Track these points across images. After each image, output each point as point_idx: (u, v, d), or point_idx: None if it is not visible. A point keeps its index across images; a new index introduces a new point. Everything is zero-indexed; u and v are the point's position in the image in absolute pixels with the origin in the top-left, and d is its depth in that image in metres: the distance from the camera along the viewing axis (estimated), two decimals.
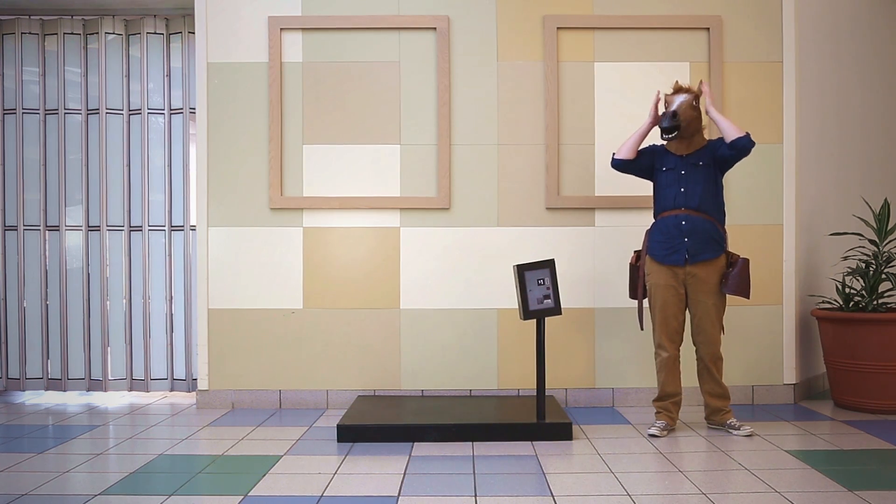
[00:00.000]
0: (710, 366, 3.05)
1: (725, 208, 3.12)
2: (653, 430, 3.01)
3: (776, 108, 3.61)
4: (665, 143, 3.11)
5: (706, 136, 3.18)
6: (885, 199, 3.64)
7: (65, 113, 3.88)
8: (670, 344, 3.07)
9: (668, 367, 3.08)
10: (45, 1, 3.80)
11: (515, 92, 3.61)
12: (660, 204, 3.12)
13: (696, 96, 3.03)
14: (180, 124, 3.86)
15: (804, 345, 3.71)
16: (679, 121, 2.96)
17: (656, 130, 3.15)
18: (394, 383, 3.61)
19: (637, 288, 3.16)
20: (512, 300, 3.57)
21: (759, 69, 3.61)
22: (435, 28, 3.59)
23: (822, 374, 3.89)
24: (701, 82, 3.11)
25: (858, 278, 3.56)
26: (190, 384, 3.85)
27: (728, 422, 3.05)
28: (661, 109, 3.22)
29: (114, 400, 3.84)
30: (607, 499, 2.25)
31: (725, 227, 3.08)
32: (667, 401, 3.10)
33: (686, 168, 3.04)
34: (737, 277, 2.99)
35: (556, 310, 3.03)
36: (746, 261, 3.01)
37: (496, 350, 3.59)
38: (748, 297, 3.04)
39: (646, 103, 3.59)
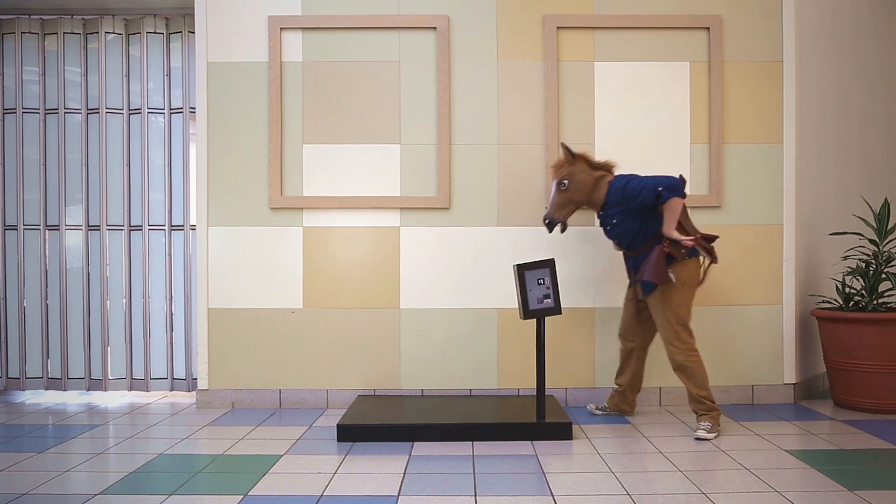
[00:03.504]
0: (677, 374, 3.03)
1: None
2: (589, 406, 3.44)
3: (776, 108, 3.61)
4: None
5: (612, 171, 3.09)
6: (886, 199, 3.64)
7: (65, 112, 3.88)
8: (620, 337, 3.31)
9: (621, 358, 3.32)
10: (45, 1, 3.80)
11: (515, 92, 3.61)
12: None
13: (560, 168, 3.06)
14: (180, 124, 3.86)
15: (804, 345, 3.71)
16: (555, 223, 3.08)
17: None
18: (394, 383, 3.61)
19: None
20: (512, 300, 3.57)
21: (759, 69, 3.61)
22: (435, 28, 3.59)
23: (822, 373, 3.89)
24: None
25: (858, 278, 3.56)
26: (190, 384, 3.85)
27: (700, 421, 3.00)
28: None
29: (114, 399, 3.84)
30: (607, 499, 2.25)
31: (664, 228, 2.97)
32: (616, 387, 3.35)
33: (608, 224, 3.08)
34: (648, 264, 2.93)
35: (556, 309, 3.02)
36: (660, 248, 2.92)
37: (496, 349, 3.59)
38: (661, 283, 2.93)
39: (646, 103, 3.60)
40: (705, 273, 3.07)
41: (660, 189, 2.88)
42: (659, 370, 3.58)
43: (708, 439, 2.92)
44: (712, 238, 3.05)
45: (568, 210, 3.07)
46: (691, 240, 2.91)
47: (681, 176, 2.95)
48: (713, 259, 3.01)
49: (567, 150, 3.06)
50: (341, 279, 3.61)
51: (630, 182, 2.95)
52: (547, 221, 3.08)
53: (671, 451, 2.78)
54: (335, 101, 3.62)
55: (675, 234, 2.90)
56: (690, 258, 2.97)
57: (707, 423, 2.97)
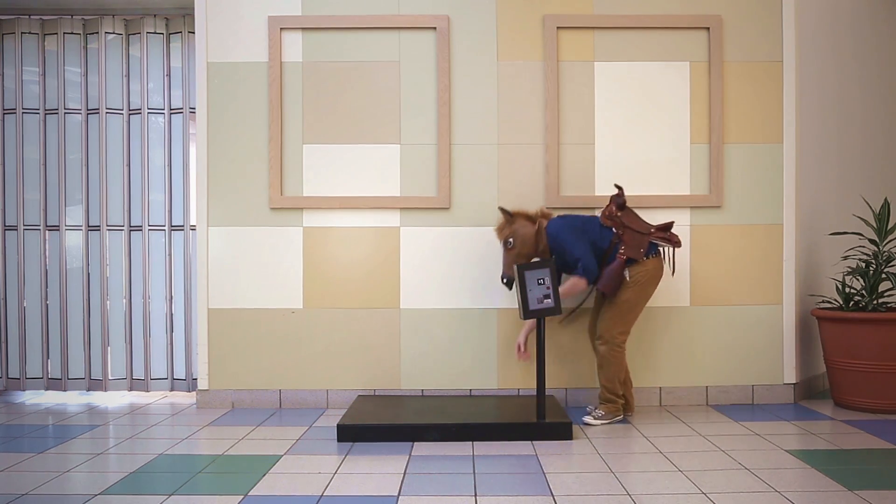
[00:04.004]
0: (598, 362, 3.22)
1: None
2: (588, 408, 3.37)
3: (776, 107, 3.61)
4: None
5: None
6: (885, 199, 3.64)
7: (65, 113, 3.88)
8: (590, 336, 3.39)
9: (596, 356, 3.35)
10: (45, 1, 3.80)
11: (515, 91, 3.61)
12: None
13: (503, 229, 3.22)
14: (180, 124, 3.86)
15: (804, 344, 3.71)
16: (512, 279, 3.18)
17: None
18: (394, 383, 3.61)
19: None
20: (512, 300, 3.57)
21: (759, 69, 3.61)
22: (435, 28, 3.59)
23: (822, 373, 3.89)
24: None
25: (858, 278, 3.56)
26: (190, 384, 3.85)
27: (596, 408, 3.23)
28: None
29: (114, 400, 3.84)
30: (607, 499, 2.25)
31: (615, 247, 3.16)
32: None
33: (563, 269, 3.27)
34: (605, 276, 3.11)
35: (556, 309, 3.03)
36: (622, 261, 3.09)
37: (496, 350, 3.59)
38: (611, 295, 3.14)
39: (646, 103, 3.60)
40: (672, 262, 3.25)
41: (579, 263, 3.12)
42: (659, 370, 3.58)
43: (593, 424, 3.16)
44: (668, 226, 3.19)
45: (511, 263, 3.22)
46: (566, 293, 3.13)
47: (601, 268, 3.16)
48: (674, 244, 3.16)
49: (504, 211, 3.23)
50: (341, 279, 3.61)
51: (559, 235, 3.15)
52: (504, 281, 3.21)
53: (671, 451, 2.78)
54: (335, 101, 3.62)
55: (562, 293, 3.11)
56: (649, 258, 3.14)
57: (600, 412, 3.19)
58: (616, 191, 3.23)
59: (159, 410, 3.58)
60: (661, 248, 3.20)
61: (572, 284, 3.12)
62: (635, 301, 3.13)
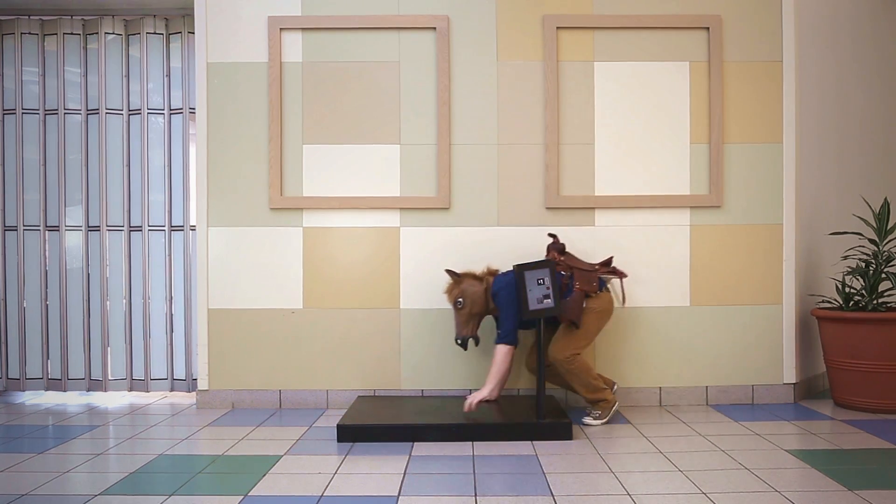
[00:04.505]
0: (567, 378, 3.20)
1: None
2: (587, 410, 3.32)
3: (776, 107, 3.61)
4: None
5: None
6: (885, 199, 3.64)
7: (65, 113, 3.88)
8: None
9: (557, 382, 3.39)
10: (45, 1, 3.80)
11: (515, 91, 3.61)
12: None
13: (452, 291, 3.23)
14: (180, 124, 3.86)
15: (804, 344, 3.71)
16: (466, 339, 3.23)
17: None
18: (394, 383, 3.61)
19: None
20: None
21: (759, 69, 3.61)
22: (435, 28, 3.59)
23: (822, 373, 3.89)
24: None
25: (858, 278, 3.57)
26: (190, 384, 3.85)
27: (591, 410, 3.22)
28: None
29: (114, 400, 3.84)
30: (607, 499, 2.25)
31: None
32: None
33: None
34: (568, 306, 3.10)
35: (556, 310, 3.03)
36: (581, 293, 3.13)
37: None
38: (578, 325, 3.11)
39: (646, 103, 3.60)
40: (623, 291, 3.31)
41: (501, 331, 3.12)
42: (659, 370, 3.58)
43: (594, 425, 3.17)
44: (609, 261, 3.28)
45: (473, 324, 3.25)
46: (502, 371, 3.11)
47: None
48: (620, 276, 3.25)
49: (450, 272, 3.27)
50: (341, 279, 3.61)
51: (499, 293, 3.14)
52: (459, 342, 3.23)
53: (671, 451, 2.78)
54: (335, 101, 3.62)
55: (498, 374, 3.11)
56: (601, 292, 3.19)
57: (597, 412, 3.19)
58: (551, 240, 3.32)
59: (159, 411, 3.58)
60: (608, 285, 3.25)
61: (502, 358, 3.09)
62: (590, 328, 3.16)
